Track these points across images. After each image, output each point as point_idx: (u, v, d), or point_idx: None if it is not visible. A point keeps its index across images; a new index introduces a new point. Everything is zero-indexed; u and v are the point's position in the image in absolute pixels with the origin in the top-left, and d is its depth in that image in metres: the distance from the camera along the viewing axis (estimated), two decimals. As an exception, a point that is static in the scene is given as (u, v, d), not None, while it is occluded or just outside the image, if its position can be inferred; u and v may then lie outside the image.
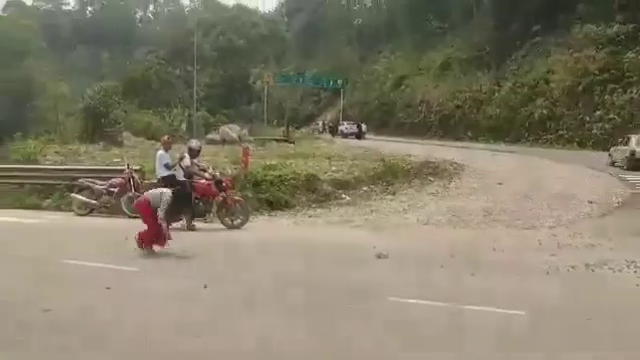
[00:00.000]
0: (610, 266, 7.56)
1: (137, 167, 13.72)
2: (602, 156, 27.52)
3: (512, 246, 8.99)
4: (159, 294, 6.23)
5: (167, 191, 8.56)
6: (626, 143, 22.88)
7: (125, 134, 30.90)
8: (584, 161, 24.25)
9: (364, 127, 50.78)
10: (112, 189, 12.64)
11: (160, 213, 8.26)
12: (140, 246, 8.37)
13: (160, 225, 8.28)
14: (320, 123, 63.99)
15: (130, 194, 12.33)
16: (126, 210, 12.19)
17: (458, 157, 23.56)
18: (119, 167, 14.29)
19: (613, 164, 22.95)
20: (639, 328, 5.20)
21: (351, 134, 49.48)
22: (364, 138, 47.48)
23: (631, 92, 35.84)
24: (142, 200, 8.83)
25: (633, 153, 21.67)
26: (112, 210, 12.60)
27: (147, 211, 8.50)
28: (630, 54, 36.16)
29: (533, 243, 9.22)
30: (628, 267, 7.50)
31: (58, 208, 13.47)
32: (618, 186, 16.54)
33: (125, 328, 5.13)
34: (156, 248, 8.34)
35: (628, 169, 20.91)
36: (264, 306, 5.80)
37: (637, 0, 36.80)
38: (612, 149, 24.42)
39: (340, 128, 53.05)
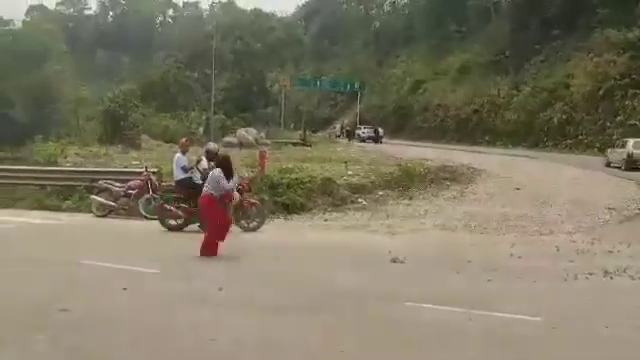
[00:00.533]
0: (629, 273, 7.45)
1: (155, 169, 13.86)
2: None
3: (529, 252, 8.91)
4: (176, 296, 6.28)
5: (217, 171, 8.62)
6: (623, 146, 24.94)
7: (143, 137, 31.27)
8: (604, 167, 23.95)
9: (381, 131, 50.63)
10: (130, 191, 12.79)
11: (228, 186, 8.42)
12: (207, 254, 8.27)
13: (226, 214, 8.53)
14: (337, 127, 64.02)
15: (147, 196, 12.46)
16: (143, 212, 12.32)
17: (475, 162, 23.42)
18: (137, 169, 14.45)
19: (609, 165, 24.99)
20: (631, 337, 5.11)
21: (368, 138, 49.38)
22: (381, 142, 47.38)
23: (653, 97, 35.31)
24: (204, 197, 8.63)
25: (630, 155, 23.52)
26: (130, 212, 12.75)
27: (209, 202, 8.50)
28: (652, 59, 35.63)
29: (551, 249, 9.12)
30: (648, 275, 7.39)
31: (77, 209, 13.64)
32: (638, 192, 16.29)
33: (139, 329, 5.17)
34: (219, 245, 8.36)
35: (625, 170, 22.66)
36: (280, 309, 5.82)
37: (659, 4, 36.24)
38: (609, 150, 26.53)
39: (357, 132, 52.97)
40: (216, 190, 8.48)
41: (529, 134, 41.88)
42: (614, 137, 36.60)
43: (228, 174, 8.64)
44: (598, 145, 36.74)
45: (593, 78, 38.86)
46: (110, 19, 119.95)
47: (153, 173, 13.28)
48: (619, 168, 23.29)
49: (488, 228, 11.30)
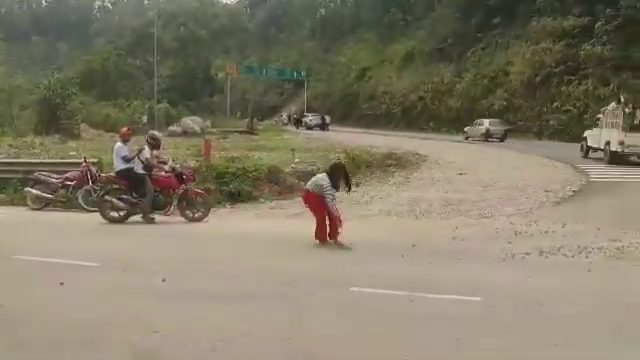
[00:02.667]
0: (563, 252, 7.78)
1: (94, 160, 13.41)
2: (559, 146, 28.38)
3: (471, 235, 9.16)
4: (117, 289, 6.10)
5: (321, 175, 8.68)
6: (481, 124, 35.98)
7: (83, 126, 30.19)
8: (542, 151, 24.89)
9: (328, 119, 50.83)
10: (68, 182, 12.33)
11: (328, 199, 8.30)
12: (322, 241, 8.37)
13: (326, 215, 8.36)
14: (284, 115, 63.86)
15: (87, 187, 12.06)
16: (83, 204, 11.92)
17: (420, 148, 23.85)
18: (75, 160, 13.94)
19: (467, 138, 35.98)
20: (588, 312, 5.36)
21: (315, 126, 49.51)
22: (328, 130, 47.58)
23: (586, 84, 36.88)
24: (304, 194, 8.82)
25: (488, 130, 34.86)
26: (68, 204, 12.30)
27: (311, 199, 8.52)
28: (586, 46, 37.15)
29: (491, 231, 9.41)
30: (580, 253, 7.73)
31: (12, 203, 13.06)
32: (573, 175, 17.02)
33: (78, 324, 5.00)
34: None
35: (484, 141, 32.58)
36: (224, 298, 5.76)
37: (592, -6, 37.74)
38: (467, 128, 37.52)
39: (304, 120, 52.98)
40: (316, 188, 8.49)
41: (472, 120, 43.00)
42: (550, 122, 38.14)
43: (336, 183, 8.49)
44: (535, 130, 38.20)
45: (531, 65, 40.24)
46: (45, 4, 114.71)
47: (93, 164, 12.85)
48: (479, 140, 34.07)
49: (432, 213, 11.53)
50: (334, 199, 8.42)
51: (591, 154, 22.43)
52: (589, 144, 22.89)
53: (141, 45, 57.60)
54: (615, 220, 10.16)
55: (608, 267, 7.21)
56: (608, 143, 20.52)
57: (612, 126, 20.83)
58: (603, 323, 5.06)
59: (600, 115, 22.77)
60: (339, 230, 8.35)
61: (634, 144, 19.38)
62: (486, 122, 36.01)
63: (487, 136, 34.62)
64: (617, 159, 19.78)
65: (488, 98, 43.35)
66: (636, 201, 12.87)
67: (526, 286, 6.27)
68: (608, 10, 36.14)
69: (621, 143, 19.62)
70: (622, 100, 20.65)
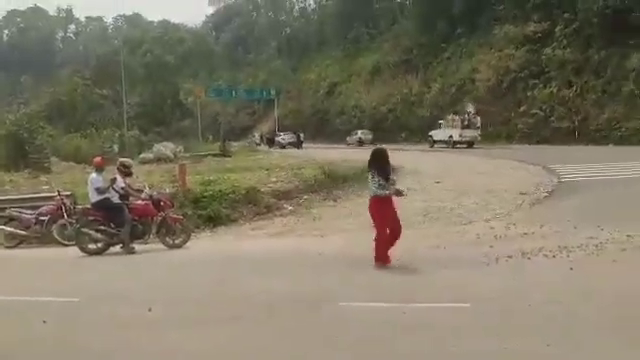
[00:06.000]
0: (544, 252, 7.90)
1: (68, 193, 13.14)
2: (529, 149, 28.91)
3: (452, 242, 9.24)
4: (103, 322, 5.97)
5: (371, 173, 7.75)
6: (356, 134, 48.80)
7: (53, 159, 29.57)
8: (514, 155, 25.33)
9: (302, 136, 51.02)
10: (42, 217, 12.04)
11: (372, 191, 7.54)
12: (383, 262, 7.56)
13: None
14: (256, 135, 63.74)
15: (62, 221, 11.80)
16: (59, 238, 11.66)
17: (394, 159, 23.90)
18: (49, 194, 13.64)
19: (348, 144, 45.79)
20: (576, 310, 5.44)
21: (289, 144, 49.57)
22: (302, 147, 47.68)
23: (550, 87, 37.81)
24: (370, 200, 7.81)
25: (360, 139, 46.74)
26: (43, 240, 12.01)
27: (373, 203, 7.70)
28: (547, 50, 38.15)
29: (472, 237, 9.51)
30: (561, 252, 7.86)
31: (-16, 243, 12.68)
32: (545, 176, 17.36)
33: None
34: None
35: (358, 146, 41.65)
36: (212, 323, 5.67)
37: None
38: (348, 138, 48.47)
39: (277, 139, 52.97)
40: (378, 188, 7.60)
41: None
42: (519, 125, 38.90)
43: (382, 171, 7.65)
44: (505, 135, 38.92)
45: (496, 72, 41.14)
46: (6, 37, 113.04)
47: (67, 196, 12.59)
48: (354, 145, 43.54)
49: (413, 222, 11.57)
50: (384, 188, 7.58)
51: (436, 146, 37.37)
52: (435, 139, 38.53)
53: (108, 73, 56.99)
54: (590, 218, 10.37)
55: (589, 264, 7.34)
56: (451, 136, 36.59)
57: (452, 127, 36.81)
58: (592, 320, 5.15)
59: (442, 122, 38.45)
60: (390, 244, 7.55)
61: (466, 135, 36.08)
62: (359, 132, 46.83)
63: (360, 144, 42.17)
64: (456, 145, 35.71)
65: (457, 106, 44.03)
66: (606, 198, 13.17)
67: (513, 289, 6.34)
68: (566, 14, 37.27)
69: (460, 135, 36.02)
70: (468, 109, 36.62)
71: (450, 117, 37.31)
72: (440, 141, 37.52)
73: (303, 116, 63.07)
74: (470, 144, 35.71)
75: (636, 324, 5.02)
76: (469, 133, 36.11)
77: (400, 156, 26.61)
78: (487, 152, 28.26)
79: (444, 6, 48.74)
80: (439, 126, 38.25)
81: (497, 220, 11.03)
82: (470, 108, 36.93)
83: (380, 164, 7.77)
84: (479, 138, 36.14)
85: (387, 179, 7.69)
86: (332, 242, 10.11)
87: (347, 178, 18.17)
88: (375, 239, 7.68)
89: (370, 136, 47.19)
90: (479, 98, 42.41)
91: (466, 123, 35.99)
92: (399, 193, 7.96)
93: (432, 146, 37.39)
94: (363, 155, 28.23)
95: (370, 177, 7.72)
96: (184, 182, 14.85)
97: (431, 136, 39.11)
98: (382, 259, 7.59)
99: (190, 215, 12.47)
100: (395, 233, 7.64)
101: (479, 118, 36.76)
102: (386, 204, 7.70)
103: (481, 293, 6.18)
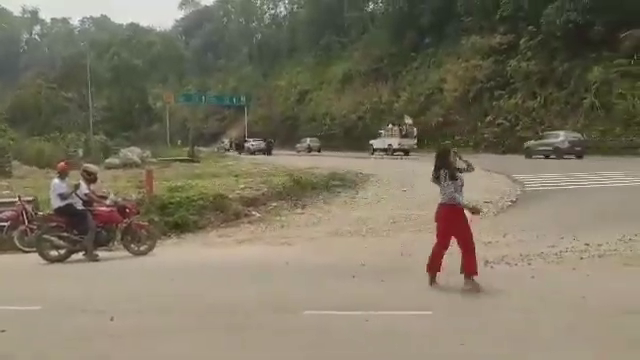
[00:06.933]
0: (507, 261, 8.08)
1: (30, 198, 12.84)
2: (494, 158, 29.48)
3: (418, 250, 9.30)
4: (64, 332, 5.84)
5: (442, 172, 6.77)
6: (305, 142, 50.77)
7: (14, 163, 28.81)
8: (480, 164, 25.77)
9: (272, 143, 51.02)
10: (2, 223, 11.74)
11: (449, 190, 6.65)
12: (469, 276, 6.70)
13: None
14: (226, 141, 63.42)
15: (23, 227, 11.52)
16: (19, 245, 11.37)
17: (364, 167, 24.23)
18: (9, 199, 13.29)
19: (299, 151, 48.49)
20: (537, 317, 5.57)
21: (259, 150, 49.44)
22: (271, 154, 47.64)
23: (516, 97, 38.69)
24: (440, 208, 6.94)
25: (309, 146, 49.33)
26: (3, 246, 11.68)
27: (442, 212, 6.82)
28: (512, 62, 39.03)
29: (437, 245, 9.62)
30: (522, 260, 8.05)
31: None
32: (510, 186, 17.73)
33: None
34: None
35: (307, 154, 45.38)
36: (174, 332, 5.61)
37: (516, 12, 39.86)
38: (297, 145, 50.60)
39: (246, 145, 52.78)
40: (454, 193, 6.73)
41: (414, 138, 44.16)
42: (485, 135, 39.65)
43: (449, 169, 6.74)
44: (472, 144, 39.60)
45: (463, 82, 41.91)
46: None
47: (28, 202, 12.30)
48: (304, 152, 47.56)
49: (379, 231, 11.70)
50: (459, 193, 6.71)
51: (375, 154, 40.27)
52: (375, 147, 41.85)
53: (74, 76, 55.99)
54: (551, 226, 10.65)
55: (549, 273, 7.53)
56: (390, 145, 40.14)
57: (392, 136, 40.33)
58: (553, 326, 5.28)
59: (382, 131, 41.90)
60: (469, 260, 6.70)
61: (404, 144, 39.32)
62: (308, 140, 50.39)
63: (309, 151, 47.75)
64: (395, 153, 39.12)
65: (426, 115, 44.67)
66: (567, 207, 13.54)
67: (474, 296, 6.46)
68: (530, 27, 38.22)
69: (399, 144, 39.49)
70: (405, 121, 40.17)
71: (389, 127, 41.26)
72: (379, 149, 41.08)
73: (273, 123, 63.04)
74: (407, 152, 39.01)
75: (590, 327, 5.21)
76: (407, 142, 39.55)
77: (371, 164, 26.88)
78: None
79: (413, 16, 49.51)
80: (379, 135, 41.91)
81: (462, 228, 11.19)
82: (408, 120, 40.53)
83: (448, 164, 6.83)
84: (415, 147, 39.33)
85: (452, 175, 6.82)
86: (299, 250, 10.13)
87: (316, 186, 18.22)
88: (434, 248, 7.07)
89: (318, 144, 49.80)
90: (447, 107, 43.13)
91: (404, 133, 39.73)
92: (476, 210, 7.16)
93: (372, 153, 40.87)
94: (320, 162, 28.79)
95: (442, 180, 6.83)
96: (151, 188, 14.67)
97: (372, 144, 42.43)
98: (433, 268, 6.96)
99: (157, 222, 12.32)
100: (467, 246, 6.78)
101: (415, 129, 40.09)
102: (458, 213, 6.89)
103: (444, 301, 6.29)
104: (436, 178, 6.90)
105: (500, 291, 6.61)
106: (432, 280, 6.91)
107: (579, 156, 28.53)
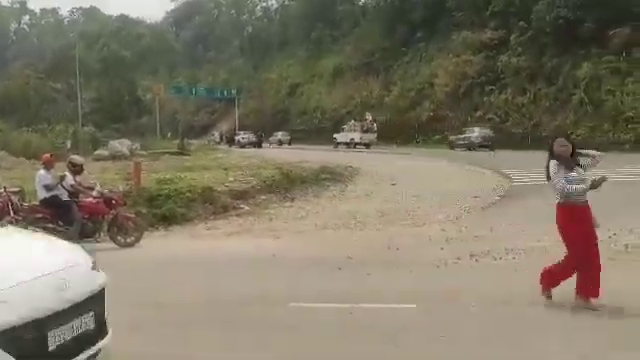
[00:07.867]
0: (492, 255, 8.12)
1: (16, 189, 12.69)
2: (484, 154, 29.62)
3: (405, 243, 9.39)
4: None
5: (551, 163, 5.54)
6: (276, 136, 54.05)
7: (1, 154, 28.57)
8: (469, 159, 25.89)
9: (262, 136, 51.04)
10: (-14, 215, 11.61)
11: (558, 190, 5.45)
12: (582, 297, 5.46)
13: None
14: (216, 134, 63.18)
15: (8, 218, 11.34)
16: (5, 237, 11.26)
17: (353, 161, 24.26)
18: (-5, 190, 13.15)
19: (272, 144, 51.51)
20: (521, 312, 5.60)
21: (249, 144, 49.39)
22: (261, 147, 47.62)
23: (506, 93, 38.84)
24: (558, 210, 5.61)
25: (280, 140, 52.64)
26: (-12, 238, 11.58)
27: (560, 214, 5.56)
28: (503, 57, 39.16)
29: (424, 239, 9.69)
30: (507, 255, 8.10)
31: None
32: (499, 180, 17.82)
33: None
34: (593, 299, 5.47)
35: (289, 146, 48.11)
36: (157, 327, 5.60)
37: (507, 7, 39.95)
38: (270, 138, 53.22)
39: (237, 138, 52.65)
40: (564, 194, 5.47)
41: (401, 132, 44.25)
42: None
43: (566, 164, 5.43)
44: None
45: (454, 77, 41.98)
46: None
47: (14, 193, 12.14)
48: (276, 145, 50.15)
49: (367, 224, 11.72)
50: (572, 192, 5.41)
51: (339, 147, 43.07)
52: (338, 141, 45.12)
53: (63, 67, 55.47)
54: (537, 221, 10.66)
55: (533, 267, 7.56)
56: (352, 139, 43.59)
57: (354, 131, 43.96)
58: (538, 320, 5.31)
59: (345, 126, 45.50)
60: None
61: (365, 138, 42.87)
62: (279, 134, 53.68)
63: (280, 144, 50.51)
64: (356, 146, 42.18)
65: (416, 110, 44.76)
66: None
67: (459, 290, 6.48)
68: (521, 23, 38.34)
69: (360, 138, 43.08)
70: (367, 118, 43.81)
71: (352, 123, 45.17)
72: (342, 143, 44.58)
73: (264, 116, 62.85)
74: (368, 145, 42.07)
75: (572, 321, 5.26)
76: (367, 137, 43.27)
77: (360, 158, 26.90)
78: (445, 156, 28.76)
79: (405, 10, 49.48)
80: (342, 130, 45.65)
81: (449, 223, 11.26)
82: (369, 116, 44.20)
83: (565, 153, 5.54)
84: (375, 141, 42.53)
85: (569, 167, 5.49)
86: (286, 243, 10.13)
87: (305, 179, 18.22)
88: (564, 263, 5.68)
89: (288, 137, 53.19)
90: (438, 102, 43.22)
91: (365, 129, 43.49)
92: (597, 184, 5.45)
93: (336, 147, 44.21)
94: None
95: (552, 172, 5.58)
96: (139, 180, 14.58)
97: (335, 138, 45.94)
98: (549, 284, 5.74)
99: (144, 214, 12.24)
100: (596, 263, 5.44)
101: (375, 125, 43.72)
102: (585, 214, 5.55)
103: (428, 294, 6.30)
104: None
105: (485, 285, 6.64)
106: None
107: (491, 149, 33.19)
